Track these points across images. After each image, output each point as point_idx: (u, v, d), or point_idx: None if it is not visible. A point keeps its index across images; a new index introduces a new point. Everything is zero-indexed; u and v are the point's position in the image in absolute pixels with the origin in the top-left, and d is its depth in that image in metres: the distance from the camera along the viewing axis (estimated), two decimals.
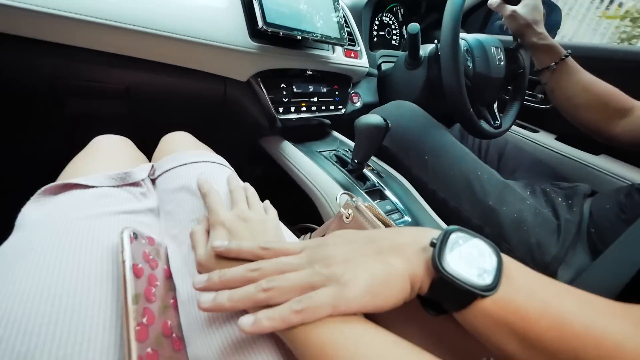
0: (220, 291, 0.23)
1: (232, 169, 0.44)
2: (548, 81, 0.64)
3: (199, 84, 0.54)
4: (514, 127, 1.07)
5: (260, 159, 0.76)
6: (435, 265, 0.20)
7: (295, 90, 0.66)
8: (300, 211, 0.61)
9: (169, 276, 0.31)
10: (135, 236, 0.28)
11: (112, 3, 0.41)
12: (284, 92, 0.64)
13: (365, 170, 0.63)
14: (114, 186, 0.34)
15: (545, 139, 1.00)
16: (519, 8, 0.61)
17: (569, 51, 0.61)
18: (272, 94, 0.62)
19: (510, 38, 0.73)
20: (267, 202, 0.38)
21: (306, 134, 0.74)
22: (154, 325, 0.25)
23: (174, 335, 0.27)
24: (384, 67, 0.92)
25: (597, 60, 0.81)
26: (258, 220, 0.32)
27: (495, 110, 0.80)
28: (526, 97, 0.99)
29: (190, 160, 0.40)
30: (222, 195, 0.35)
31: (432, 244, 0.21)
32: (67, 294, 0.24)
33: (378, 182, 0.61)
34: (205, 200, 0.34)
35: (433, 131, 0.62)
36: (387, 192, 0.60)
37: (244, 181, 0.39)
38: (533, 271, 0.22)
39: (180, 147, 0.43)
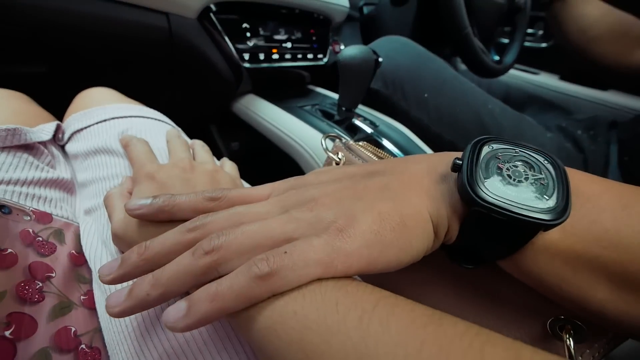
0: (141, 277, 0.14)
1: (177, 127, 0.34)
2: (559, 13, 0.56)
3: (132, 19, 0.42)
4: (512, 70, 0.99)
5: (235, 130, 0.65)
6: (466, 193, 0.13)
7: (262, 32, 0.54)
8: None
9: (80, 263, 0.22)
10: None
11: None
12: (248, 34, 0.52)
13: (355, 121, 0.53)
14: None
15: (548, 80, 0.92)
16: None
17: None
18: (233, 36, 0.50)
19: None
20: (225, 159, 0.29)
21: (283, 91, 0.63)
22: (35, 337, 0.16)
23: (83, 346, 0.18)
24: (366, 10, 0.80)
25: None
26: (205, 170, 0.22)
27: (493, 50, 0.71)
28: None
29: (111, 115, 0.29)
30: (156, 152, 0.26)
31: (456, 166, 0.15)
32: None
33: (372, 132, 0.51)
34: (128, 152, 0.24)
35: (431, 65, 0.52)
36: (385, 142, 0.50)
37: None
38: (608, 180, 0.15)
39: (100, 103, 0.32)
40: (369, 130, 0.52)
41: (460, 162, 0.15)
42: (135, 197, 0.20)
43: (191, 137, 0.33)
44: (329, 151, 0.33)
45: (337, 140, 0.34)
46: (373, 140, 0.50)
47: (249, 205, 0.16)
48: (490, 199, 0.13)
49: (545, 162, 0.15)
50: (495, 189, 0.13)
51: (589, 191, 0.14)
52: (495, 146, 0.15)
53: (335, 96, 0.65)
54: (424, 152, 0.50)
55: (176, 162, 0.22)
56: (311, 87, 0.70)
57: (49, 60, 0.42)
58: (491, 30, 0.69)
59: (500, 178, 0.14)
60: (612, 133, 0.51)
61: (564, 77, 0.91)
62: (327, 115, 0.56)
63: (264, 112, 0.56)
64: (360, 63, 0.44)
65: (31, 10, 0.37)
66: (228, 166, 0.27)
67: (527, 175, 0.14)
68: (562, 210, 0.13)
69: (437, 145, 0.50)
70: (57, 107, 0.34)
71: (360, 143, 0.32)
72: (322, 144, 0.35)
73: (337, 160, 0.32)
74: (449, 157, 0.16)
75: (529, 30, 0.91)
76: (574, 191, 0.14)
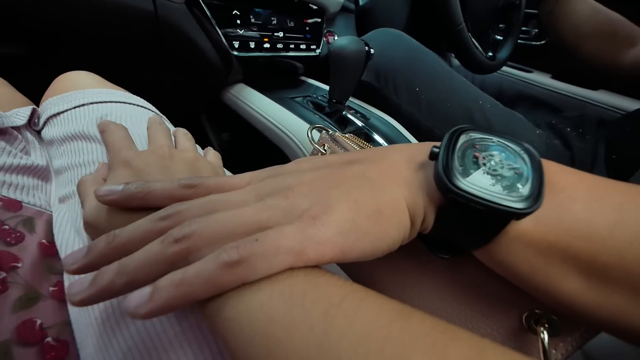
0: (107, 266, 0.14)
1: (160, 114, 0.32)
2: (552, 8, 0.56)
3: (115, 0, 0.40)
4: (506, 68, 0.99)
5: (226, 121, 0.64)
6: (441, 181, 0.13)
7: (253, 20, 0.53)
8: None
9: (51, 253, 0.21)
10: None
11: None
12: (238, 21, 0.51)
13: (346, 114, 0.53)
14: None
15: (541, 79, 0.93)
16: None
17: None
18: (222, 23, 0.49)
19: None
20: (208, 148, 0.28)
21: (274, 82, 0.62)
22: None
23: (49, 339, 0.17)
24: (362, 1, 0.79)
25: None
26: (185, 158, 0.22)
27: (488, 46, 0.71)
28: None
29: (90, 99, 0.28)
30: (137, 139, 0.25)
31: (434, 155, 0.15)
32: None
33: (363, 125, 0.51)
34: (104, 138, 0.23)
35: (424, 58, 0.51)
36: (375, 136, 0.49)
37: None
38: (585, 172, 0.15)
39: (79, 87, 0.31)
40: (359, 123, 0.51)
41: (438, 150, 0.15)
42: (109, 182, 0.19)
43: (185, 122, 0.32)
44: (315, 142, 0.33)
45: (324, 131, 0.34)
46: (363, 134, 0.49)
47: (225, 194, 0.15)
48: (464, 187, 0.13)
49: (522, 152, 0.15)
50: (471, 177, 0.14)
51: (563, 182, 0.14)
52: (472, 135, 0.15)
53: (328, 88, 0.64)
54: None
55: (155, 149, 0.22)
56: (303, 78, 0.69)
57: (30, 41, 0.41)
58: (485, 25, 0.69)
59: (476, 166, 0.14)
60: (601, 132, 0.52)
61: (556, 76, 0.92)
62: (318, 107, 0.55)
63: (253, 102, 0.55)
64: (352, 54, 0.43)
65: None
66: (211, 155, 0.26)
67: (503, 164, 0.14)
68: (534, 200, 0.13)
69: (428, 139, 0.50)
70: (38, 92, 0.33)
71: (347, 135, 0.31)
72: (308, 135, 0.35)
73: (323, 152, 0.32)
74: (429, 147, 0.16)
75: (524, 28, 0.91)
76: (548, 182, 0.14)
